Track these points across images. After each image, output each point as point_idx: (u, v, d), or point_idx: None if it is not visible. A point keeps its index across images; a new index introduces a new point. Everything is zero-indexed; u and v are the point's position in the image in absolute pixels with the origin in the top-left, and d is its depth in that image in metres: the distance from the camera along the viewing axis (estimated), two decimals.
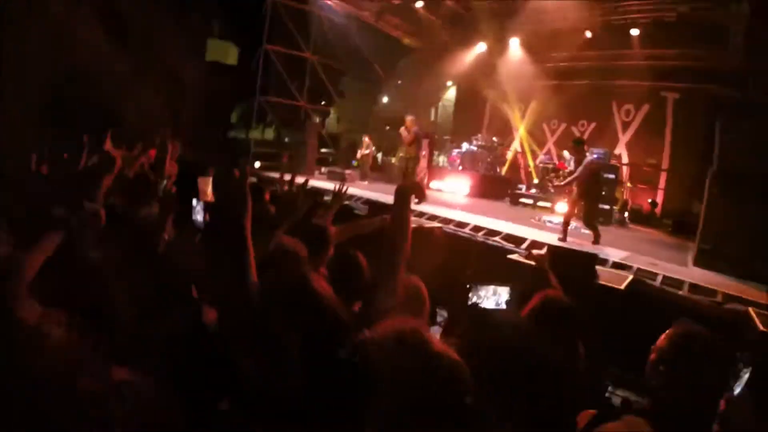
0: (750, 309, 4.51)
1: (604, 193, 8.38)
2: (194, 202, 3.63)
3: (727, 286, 5.67)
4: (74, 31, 13.92)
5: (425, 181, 15.10)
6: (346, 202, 9.06)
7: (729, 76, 11.91)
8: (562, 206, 11.65)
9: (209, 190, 2.94)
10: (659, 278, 5.81)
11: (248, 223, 1.62)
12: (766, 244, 6.73)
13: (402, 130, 10.31)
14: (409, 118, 10.36)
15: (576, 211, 8.20)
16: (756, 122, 7.65)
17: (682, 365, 1.76)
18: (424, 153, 15.30)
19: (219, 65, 22.40)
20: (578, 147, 8.16)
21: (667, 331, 1.91)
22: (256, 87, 17.40)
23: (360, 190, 11.04)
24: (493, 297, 2.92)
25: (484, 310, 1.90)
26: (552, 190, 12.17)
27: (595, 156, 9.68)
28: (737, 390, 3.88)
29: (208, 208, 3.38)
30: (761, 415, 2.84)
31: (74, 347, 1.10)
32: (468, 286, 3.63)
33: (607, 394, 4.47)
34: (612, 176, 11.64)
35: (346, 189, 5.40)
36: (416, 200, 2.09)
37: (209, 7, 20.57)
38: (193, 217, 3.81)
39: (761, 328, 3.83)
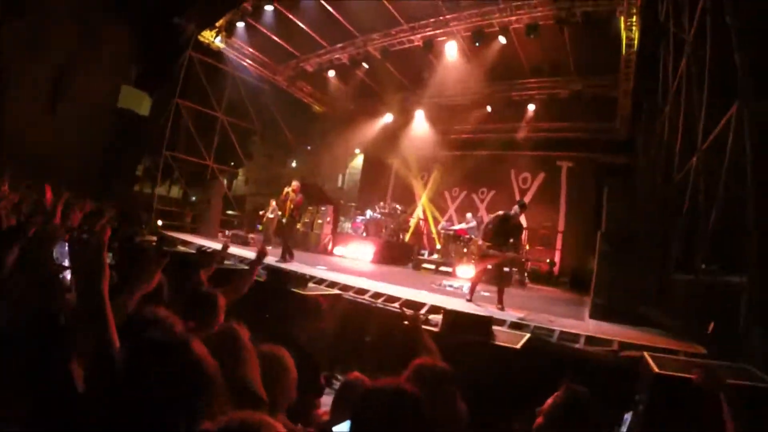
0: (644, 353, 4.56)
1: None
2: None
3: (622, 334, 5.77)
4: None
5: (329, 246, 14.93)
6: (246, 267, 8.61)
7: (617, 146, 13.08)
8: (464, 270, 11.82)
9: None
10: (556, 334, 5.81)
11: (106, 289, 1.61)
12: (648, 293, 7.13)
13: (290, 190, 10.33)
14: (295, 183, 10.46)
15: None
16: (634, 187, 8.24)
17: (568, 428, 1.87)
18: (329, 219, 15.23)
19: (131, 114, 21.48)
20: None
21: (553, 396, 1.99)
22: (164, 141, 16.65)
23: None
24: None
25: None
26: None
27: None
28: None
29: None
30: None
31: None
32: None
33: None
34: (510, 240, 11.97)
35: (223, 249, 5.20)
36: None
37: (128, 52, 19.94)
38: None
39: (655, 370, 3.83)
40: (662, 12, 9.06)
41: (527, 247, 13.34)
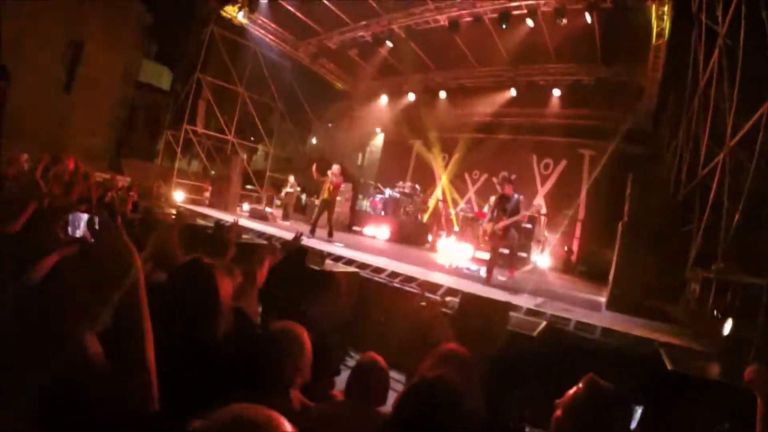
0: (660, 349, 4.59)
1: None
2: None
3: (638, 328, 5.81)
4: None
5: (347, 224, 15.04)
6: (265, 242, 8.73)
7: (641, 136, 12.89)
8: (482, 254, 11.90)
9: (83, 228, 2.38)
10: (572, 323, 5.85)
11: (141, 283, 1.35)
12: (670, 288, 7.12)
13: (331, 174, 10.66)
14: (336, 167, 10.73)
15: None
16: (658, 179, 8.15)
17: (589, 423, 1.79)
18: (347, 197, 15.32)
19: (151, 88, 21.69)
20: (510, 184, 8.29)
21: (574, 388, 1.89)
22: (185, 115, 16.78)
23: (279, 230, 10.70)
24: None
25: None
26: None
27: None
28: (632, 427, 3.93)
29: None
30: None
31: None
32: None
33: None
34: (529, 226, 11.98)
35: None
36: None
37: (148, 27, 20.10)
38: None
39: (670, 367, 3.88)
40: (695, 2, 8.87)
41: (546, 233, 13.31)
